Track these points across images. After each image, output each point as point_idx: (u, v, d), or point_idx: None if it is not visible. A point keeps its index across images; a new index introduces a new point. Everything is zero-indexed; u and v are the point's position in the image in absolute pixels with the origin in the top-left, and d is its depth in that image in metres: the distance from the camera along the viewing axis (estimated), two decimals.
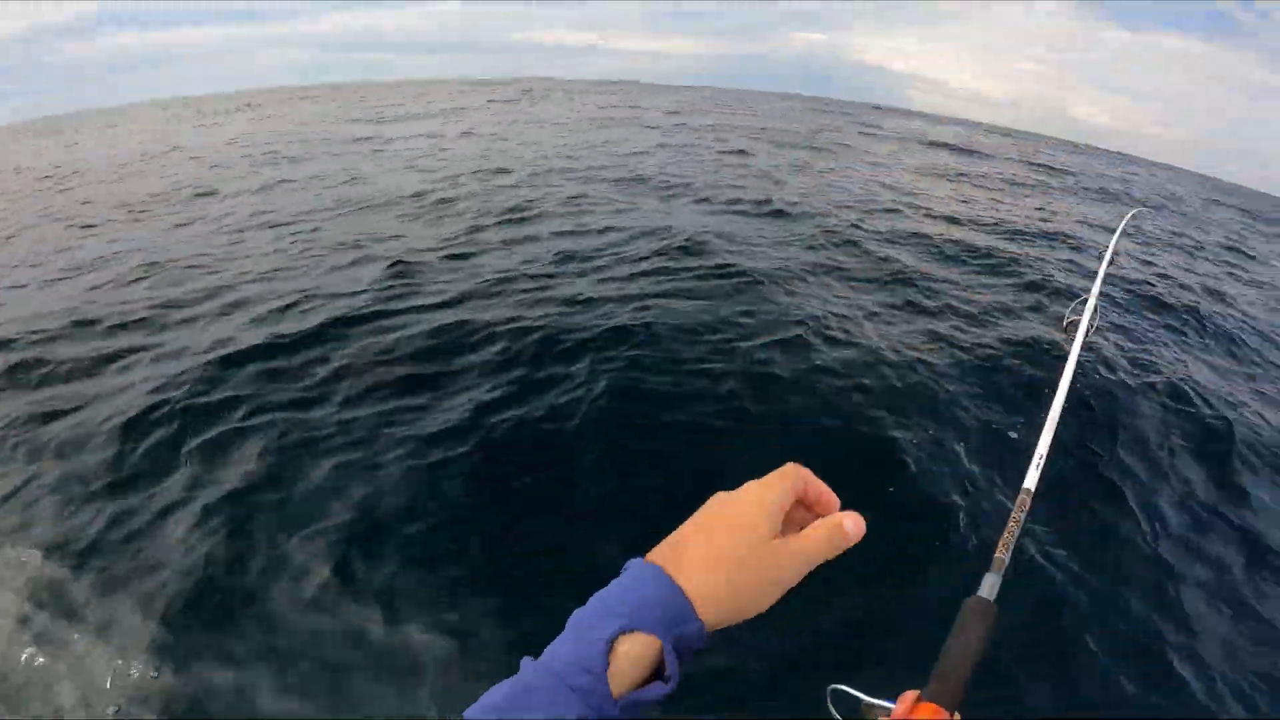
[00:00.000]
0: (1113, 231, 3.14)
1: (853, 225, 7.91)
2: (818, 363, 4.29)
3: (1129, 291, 7.07)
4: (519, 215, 7.85)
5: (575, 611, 0.56)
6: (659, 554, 0.59)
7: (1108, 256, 2.73)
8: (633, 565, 0.59)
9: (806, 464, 0.65)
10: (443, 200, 8.93)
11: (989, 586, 1.17)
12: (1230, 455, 4.14)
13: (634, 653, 0.52)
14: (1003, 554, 1.33)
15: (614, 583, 0.58)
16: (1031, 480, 1.47)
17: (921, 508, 3.28)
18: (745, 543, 0.58)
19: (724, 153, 14.43)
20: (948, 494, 3.39)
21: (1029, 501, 1.43)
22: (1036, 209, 11.93)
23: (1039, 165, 22.59)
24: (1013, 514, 1.40)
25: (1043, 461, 1.49)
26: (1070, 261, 7.96)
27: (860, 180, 12.55)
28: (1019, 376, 4.67)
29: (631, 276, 5.73)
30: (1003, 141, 35.31)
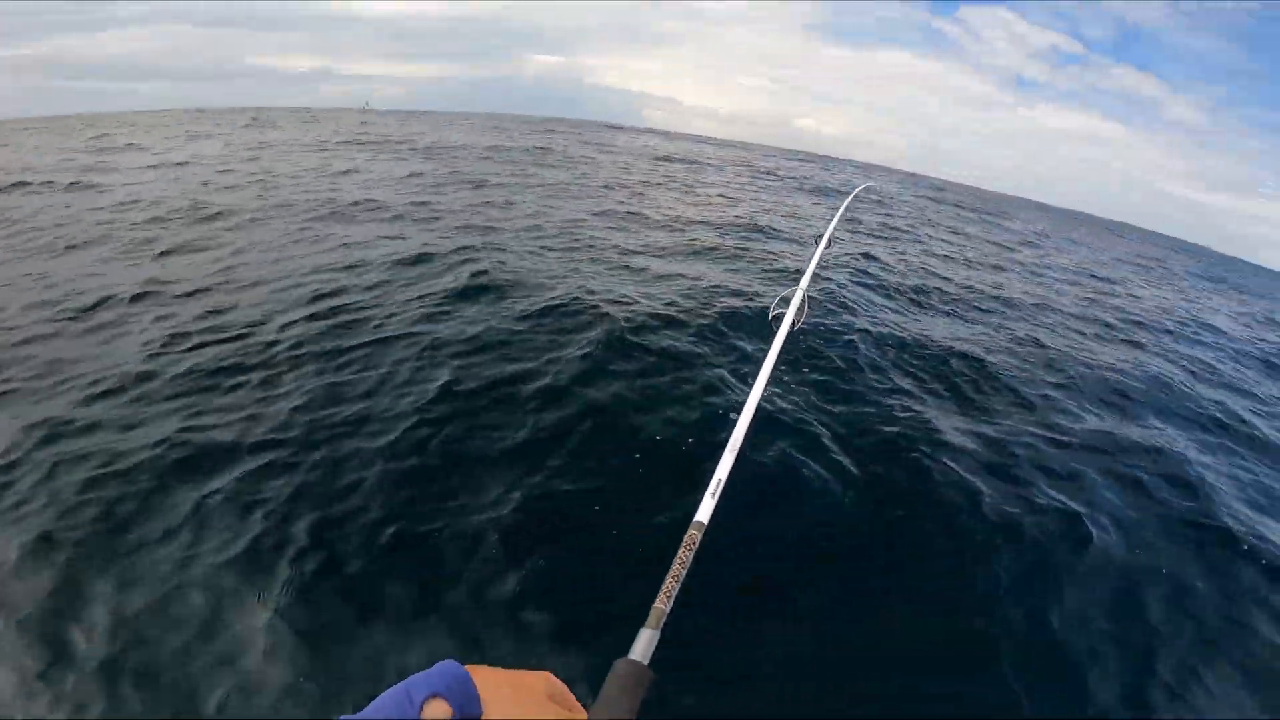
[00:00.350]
0: (823, 230, 3.01)
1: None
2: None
3: (850, 280, 7.68)
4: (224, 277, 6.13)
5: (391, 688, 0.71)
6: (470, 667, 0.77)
7: (818, 252, 2.65)
8: (449, 662, 0.76)
9: None
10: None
11: (643, 646, 0.96)
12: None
13: (437, 716, 0.70)
14: (663, 604, 1.11)
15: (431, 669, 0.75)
16: (705, 512, 1.29)
17: (573, 564, 2.79)
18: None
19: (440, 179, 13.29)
20: (599, 544, 2.89)
21: (700, 537, 1.25)
22: (754, 210, 12.74)
23: (763, 171, 24.79)
24: (678, 555, 1.19)
25: (720, 488, 1.33)
26: (775, 255, 8.51)
27: (589, 192, 12.83)
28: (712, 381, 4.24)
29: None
30: (731, 153, 37.10)
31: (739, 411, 1.53)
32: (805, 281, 2.22)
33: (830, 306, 6.11)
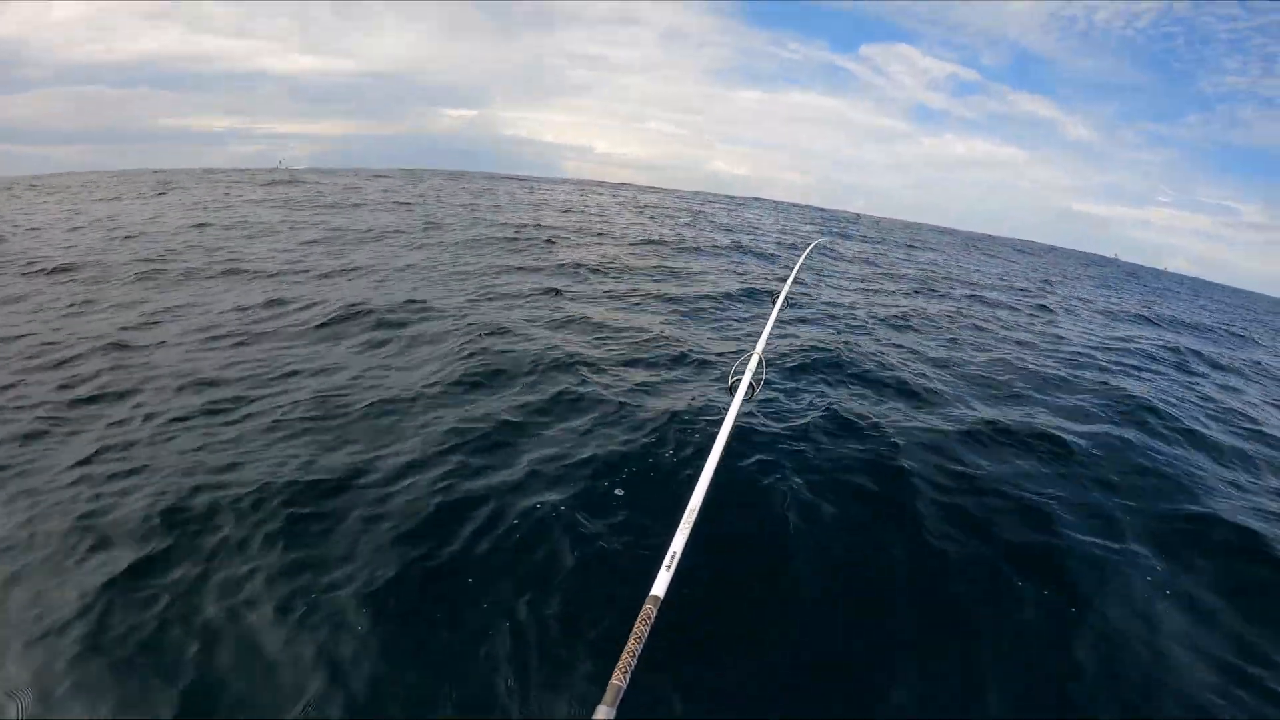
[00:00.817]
0: (779, 288, 3.04)
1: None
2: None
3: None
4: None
5: None
6: None
7: (774, 313, 2.68)
8: None
9: None
10: None
11: None
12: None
13: None
14: (620, 680, 1.13)
15: None
16: (661, 585, 1.31)
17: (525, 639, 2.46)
18: None
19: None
20: (552, 613, 2.53)
21: (655, 611, 1.27)
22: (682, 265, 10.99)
23: (690, 211, 24.26)
24: (634, 629, 1.22)
25: (676, 561, 1.35)
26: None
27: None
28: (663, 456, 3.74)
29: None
30: (650, 198, 34.99)
31: (694, 481, 1.55)
32: (761, 344, 2.26)
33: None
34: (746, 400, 1.93)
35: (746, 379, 2.05)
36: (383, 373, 4.67)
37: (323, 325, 5.86)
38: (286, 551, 2.68)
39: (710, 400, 4.03)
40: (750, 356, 2.15)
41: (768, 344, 2.34)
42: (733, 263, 11.48)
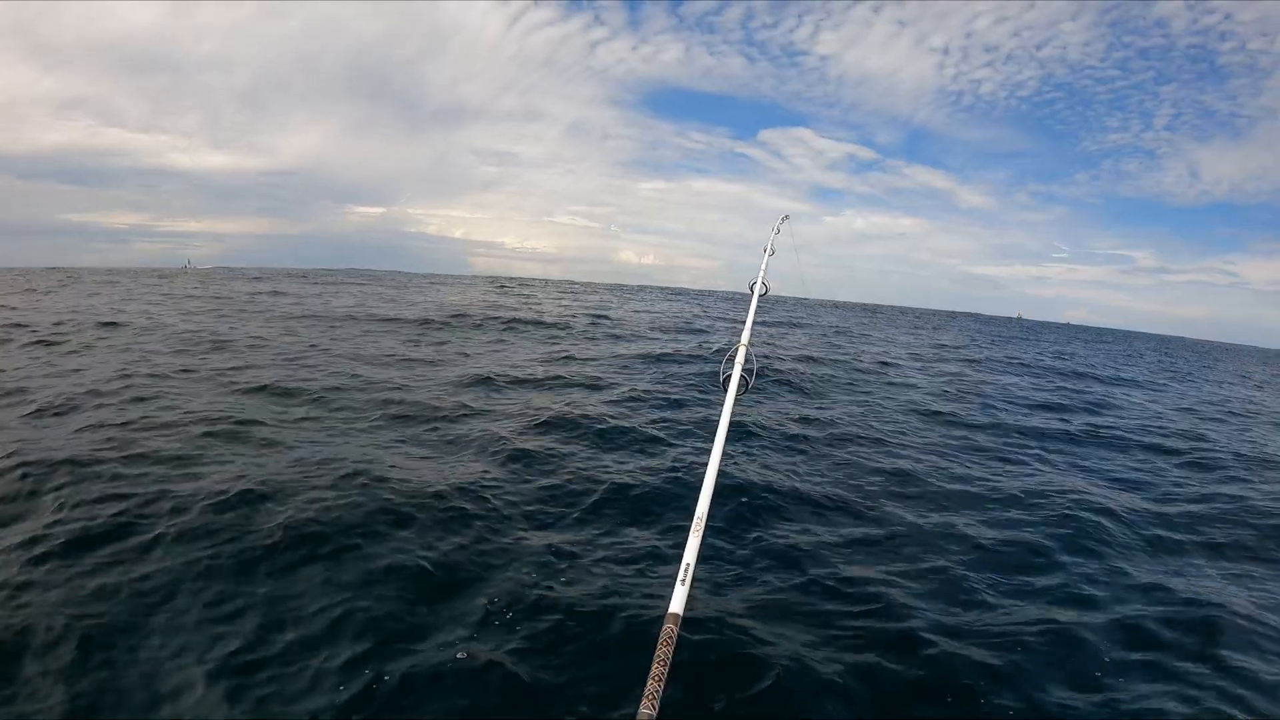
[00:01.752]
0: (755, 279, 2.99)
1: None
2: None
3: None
4: None
5: None
6: None
7: (753, 302, 2.61)
8: None
9: None
10: None
11: None
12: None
13: None
14: (650, 709, 1.06)
15: None
16: (679, 601, 1.24)
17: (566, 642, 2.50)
18: None
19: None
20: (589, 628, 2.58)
21: (676, 630, 1.20)
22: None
23: (597, 317, 18.99)
24: (656, 652, 1.14)
25: (690, 573, 1.28)
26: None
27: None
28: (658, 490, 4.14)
29: None
30: (559, 298, 30.75)
31: (698, 492, 1.45)
32: (746, 335, 2.19)
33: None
34: (741, 394, 1.86)
35: (737, 373, 1.98)
36: None
37: None
38: None
39: None
40: (737, 348, 2.08)
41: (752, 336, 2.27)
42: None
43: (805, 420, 6.69)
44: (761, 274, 3.01)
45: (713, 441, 1.59)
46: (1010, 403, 9.31)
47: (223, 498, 3.57)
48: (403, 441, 5.03)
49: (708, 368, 8.60)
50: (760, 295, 2.83)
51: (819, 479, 4.80)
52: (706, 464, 1.52)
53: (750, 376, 2.03)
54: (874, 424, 6.87)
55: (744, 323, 2.34)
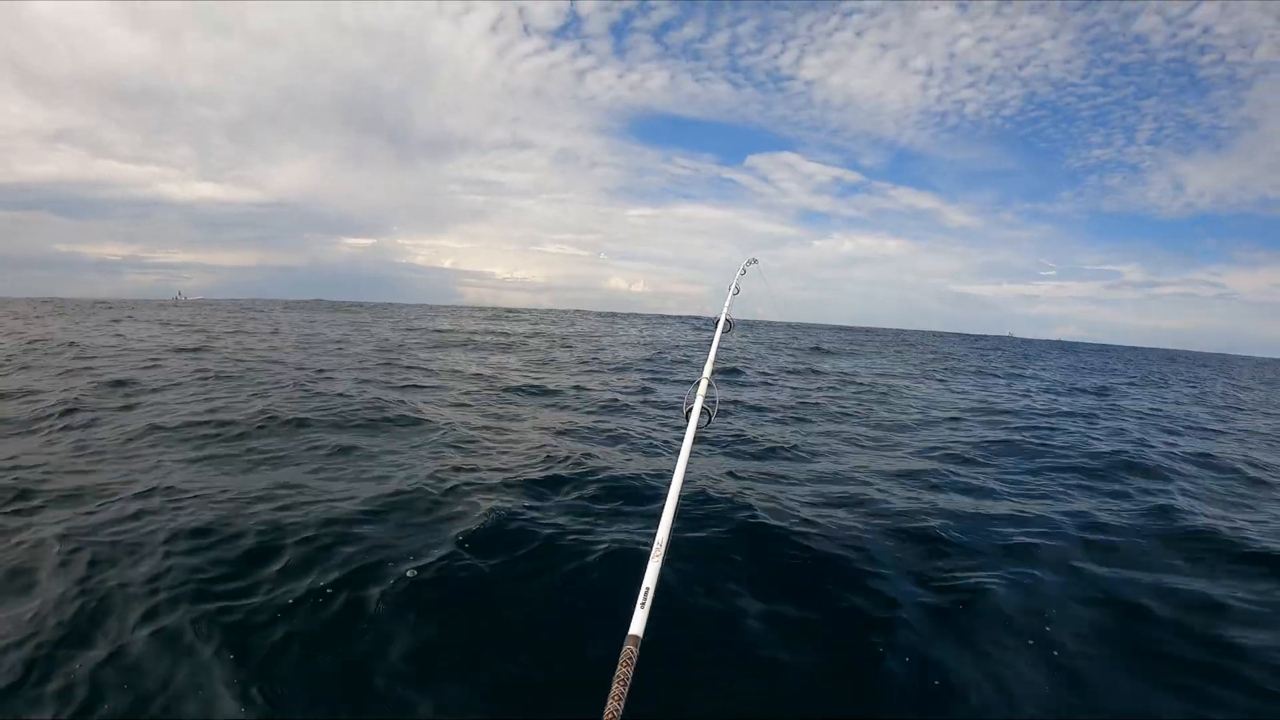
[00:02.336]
0: (718, 315, 2.99)
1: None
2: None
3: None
4: None
5: None
6: None
7: (716, 338, 2.70)
8: None
9: None
10: None
11: None
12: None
13: None
14: None
15: None
16: (638, 624, 1.28)
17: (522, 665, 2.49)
18: None
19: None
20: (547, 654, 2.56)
21: (636, 652, 1.24)
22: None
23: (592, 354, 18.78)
24: (616, 672, 1.18)
25: (650, 597, 1.33)
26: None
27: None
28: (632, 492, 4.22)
29: None
30: (544, 327, 32.15)
31: (658, 517, 1.51)
32: (708, 370, 2.28)
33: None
34: (703, 428, 1.93)
35: (698, 405, 2.06)
36: None
37: None
38: None
39: None
40: (700, 382, 2.16)
41: (714, 370, 2.35)
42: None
43: None
44: (725, 311, 3.13)
45: (674, 468, 1.66)
46: None
47: None
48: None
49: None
50: (724, 331, 2.94)
51: None
52: (668, 489, 1.58)
53: (712, 409, 2.11)
54: None
55: (707, 357, 2.43)
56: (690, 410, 2.05)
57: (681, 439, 1.85)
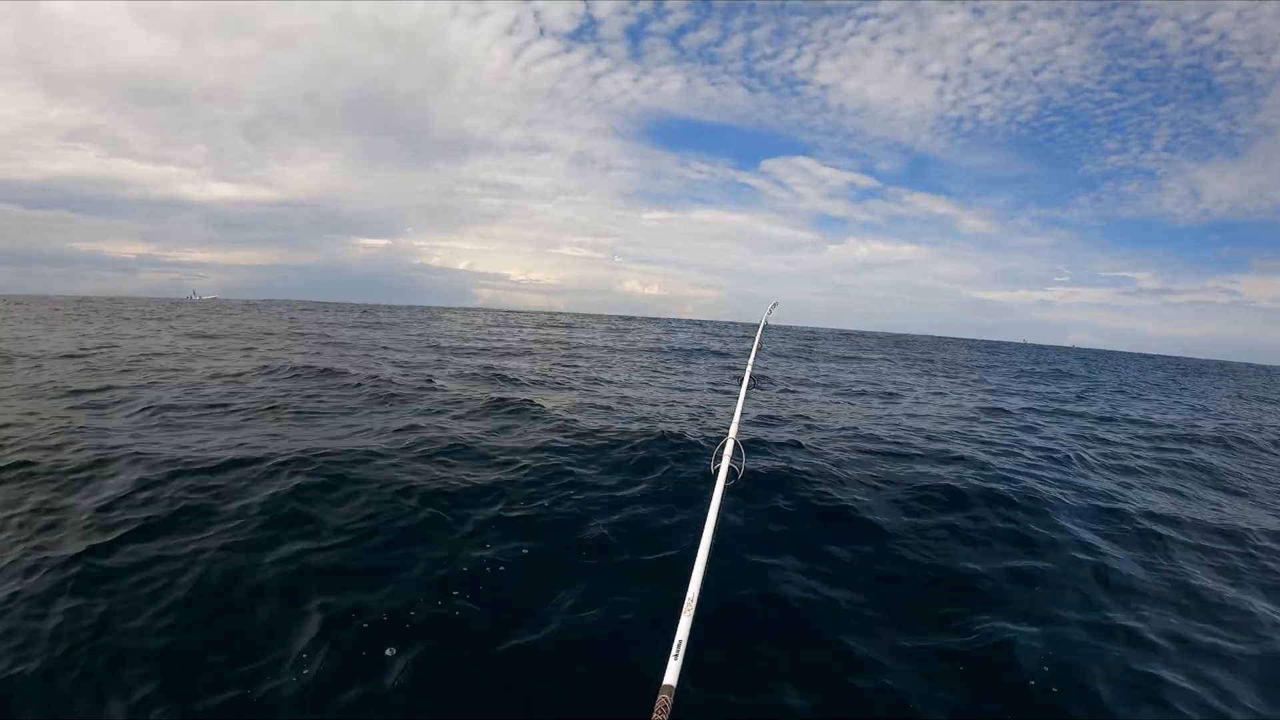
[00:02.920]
0: (742, 372, 3.09)
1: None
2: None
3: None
4: None
5: None
6: None
7: (741, 396, 2.73)
8: None
9: None
10: None
11: None
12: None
13: None
14: None
15: None
16: (672, 674, 1.37)
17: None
18: None
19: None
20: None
21: (670, 701, 1.32)
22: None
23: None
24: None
25: (683, 649, 1.42)
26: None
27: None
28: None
29: None
30: (555, 330, 31.99)
31: (690, 568, 1.59)
32: (734, 429, 2.37)
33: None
34: (730, 486, 2.03)
35: (725, 464, 2.15)
36: None
37: None
38: None
39: None
40: (726, 442, 2.24)
41: (740, 427, 2.44)
42: None
43: None
44: (750, 366, 3.24)
45: (703, 527, 1.76)
46: None
47: None
48: None
49: None
50: (748, 385, 3.04)
51: None
52: (698, 547, 1.68)
53: (739, 467, 2.20)
54: None
55: (735, 406, 2.52)
56: (718, 469, 2.13)
57: (711, 493, 1.94)
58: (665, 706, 1.30)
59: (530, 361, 14.26)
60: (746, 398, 2.80)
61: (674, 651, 1.40)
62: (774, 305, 4.09)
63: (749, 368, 3.12)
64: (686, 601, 1.51)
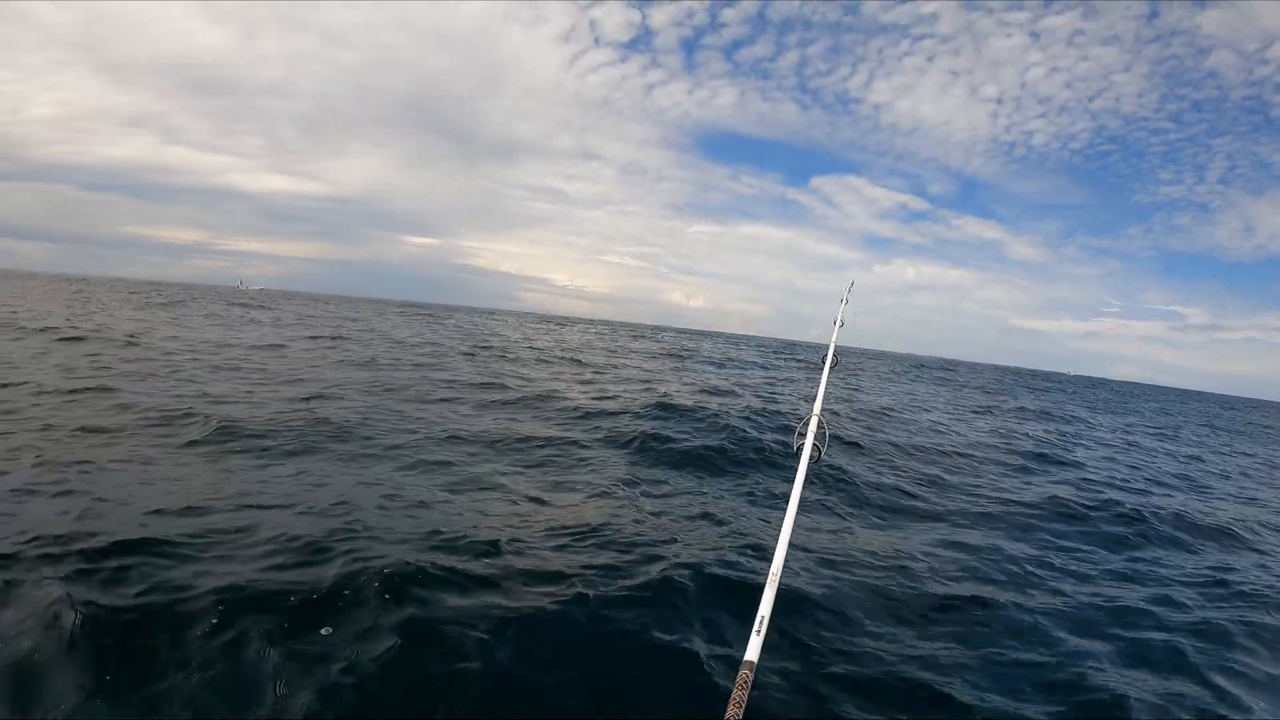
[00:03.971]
0: (825, 353, 3.08)
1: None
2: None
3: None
4: None
5: None
6: None
7: (825, 373, 2.73)
8: None
9: None
10: None
11: None
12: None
13: None
14: None
15: None
16: (754, 650, 1.33)
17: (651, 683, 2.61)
18: None
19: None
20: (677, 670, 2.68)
21: (751, 676, 1.29)
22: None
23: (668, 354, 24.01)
24: (732, 696, 1.24)
25: (765, 625, 1.38)
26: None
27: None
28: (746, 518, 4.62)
29: None
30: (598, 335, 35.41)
31: (773, 547, 1.59)
32: (818, 405, 2.30)
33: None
34: (814, 463, 1.96)
35: (809, 441, 2.08)
36: None
37: None
38: None
39: None
40: (810, 419, 2.17)
41: (824, 405, 2.37)
42: None
43: None
44: (833, 347, 3.12)
45: (788, 500, 1.70)
46: None
47: None
48: None
49: None
50: (832, 367, 2.94)
51: None
52: (782, 524, 1.63)
53: (822, 445, 2.13)
54: None
55: (817, 392, 2.45)
56: (801, 445, 2.08)
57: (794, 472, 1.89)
58: (746, 681, 1.26)
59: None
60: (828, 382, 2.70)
61: (756, 627, 1.37)
62: (851, 284, 3.86)
63: (832, 344, 3.01)
64: (770, 578, 1.47)
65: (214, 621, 2.54)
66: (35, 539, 3.11)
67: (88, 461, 4.52)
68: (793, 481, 1.82)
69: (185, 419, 6.02)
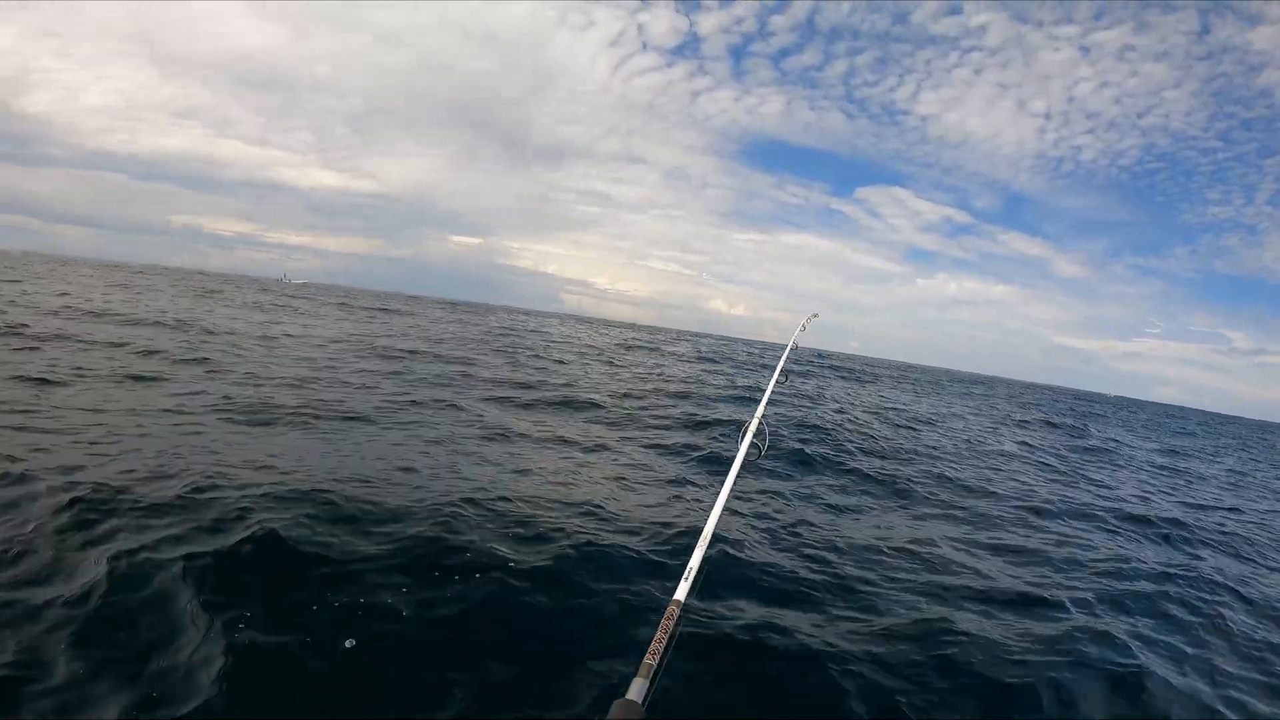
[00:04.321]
0: (775, 363, 3.52)
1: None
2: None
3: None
4: None
5: None
6: None
7: (771, 383, 3.07)
8: None
9: None
10: None
11: (636, 690, 1.19)
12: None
13: None
14: (652, 660, 1.36)
15: None
16: (682, 592, 1.56)
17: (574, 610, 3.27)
18: None
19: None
20: (601, 601, 3.37)
21: (678, 612, 1.52)
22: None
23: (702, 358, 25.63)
24: (661, 623, 1.46)
25: (693, 574, 1.61)
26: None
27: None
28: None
29: None
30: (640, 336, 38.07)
31: (709, 508, 1.84)
32: (761, 410, 2.61)
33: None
34: (754, 458, 2.25)
35: (748, 438, 2.36)
36: None
37: None
38: None
39: None
40: (752, 421, 2.46)
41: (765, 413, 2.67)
42: None
43: None
44: (782, 363, 3.45)
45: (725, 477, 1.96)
46: None
47: None
48: None
49: None
50: (780, 384, 3.26)
51: None
52: (719, 493, 1.89)
53: (762, 444, 2.40)
54: None
55: (764, 395, 2.75)
56: (745, 429, 2.35)
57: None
58: (673, 615, 1.48)
59: None
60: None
61: (686, 574, 1.60)
62: (814, 316, 4.20)
63: (780, 364, 3.35)
64: (703, 535, 1.72)
65: None
66: None
67: None
68: (732, 463, 2.09)
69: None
